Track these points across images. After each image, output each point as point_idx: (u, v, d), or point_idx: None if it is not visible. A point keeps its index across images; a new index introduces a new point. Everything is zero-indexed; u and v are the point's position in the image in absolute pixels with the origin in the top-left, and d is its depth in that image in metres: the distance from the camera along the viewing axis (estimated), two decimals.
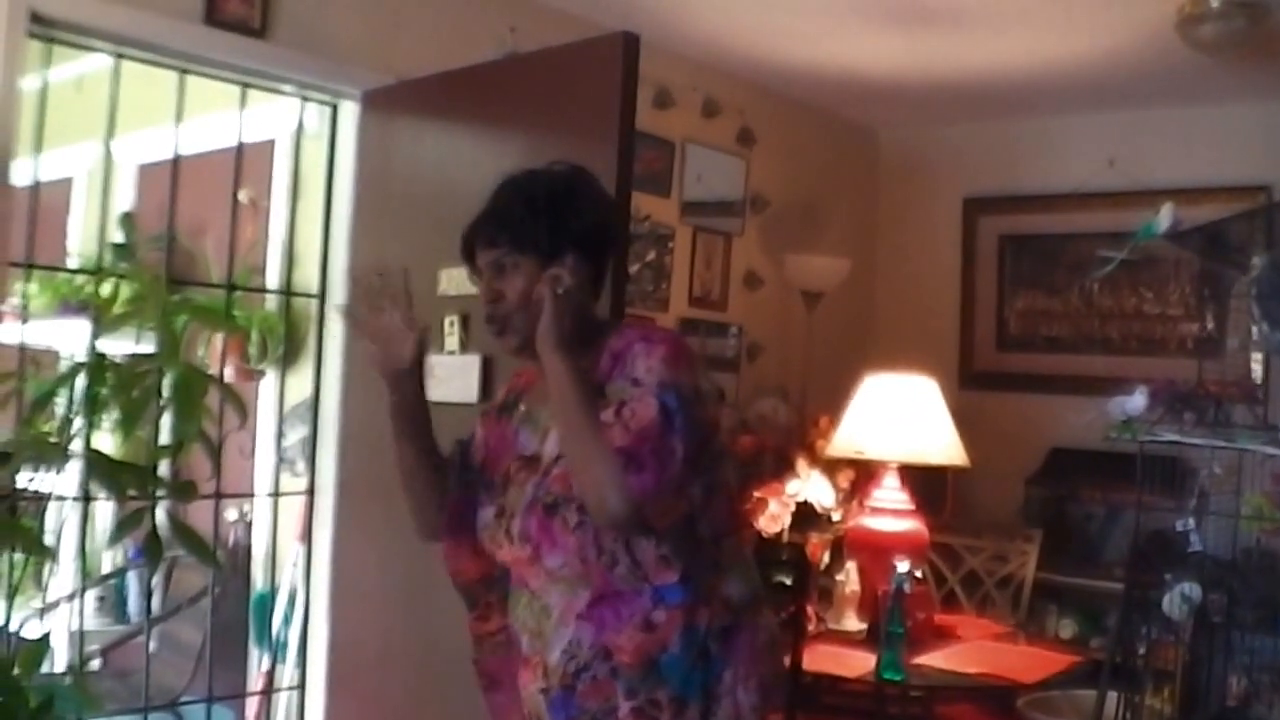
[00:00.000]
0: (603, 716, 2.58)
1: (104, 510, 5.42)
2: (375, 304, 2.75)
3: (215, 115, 4.85)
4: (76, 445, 2.49)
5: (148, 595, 5.48)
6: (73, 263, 5.43)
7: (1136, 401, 4.02)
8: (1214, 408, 3.98)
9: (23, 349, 4.33)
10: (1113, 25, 5.39)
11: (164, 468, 4.78)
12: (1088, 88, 6.35)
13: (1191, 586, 3.95)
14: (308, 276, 5.11)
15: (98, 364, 2.50)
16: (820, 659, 4.46)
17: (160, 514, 2.60)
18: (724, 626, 2.63)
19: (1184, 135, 6.52)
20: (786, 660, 4.04)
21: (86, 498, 4.45)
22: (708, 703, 2.58)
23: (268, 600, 5.20)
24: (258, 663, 5.21)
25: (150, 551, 2.54)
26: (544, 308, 2.59)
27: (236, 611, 5.24)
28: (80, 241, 5.90)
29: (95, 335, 4.63)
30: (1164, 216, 4.12)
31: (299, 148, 5.12)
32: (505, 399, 2.92)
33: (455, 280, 4.16)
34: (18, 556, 2.72)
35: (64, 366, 4.79)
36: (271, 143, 5.26)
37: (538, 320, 2.62)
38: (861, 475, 5.61)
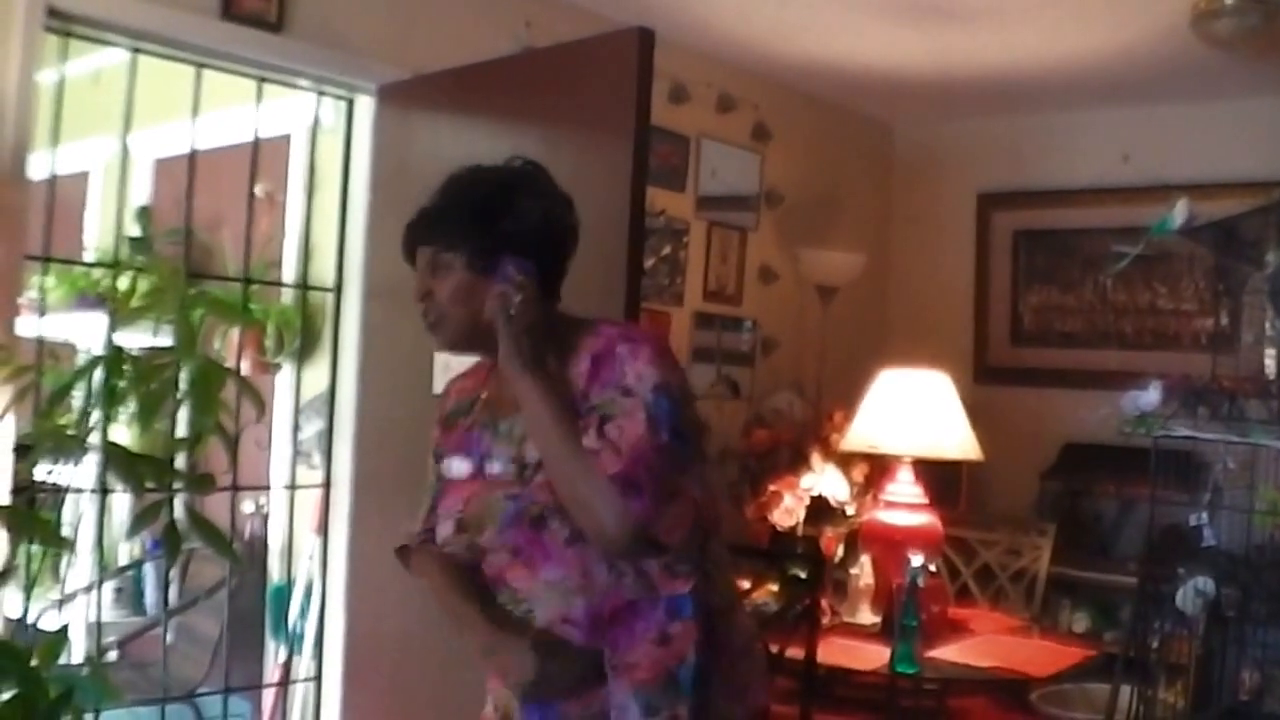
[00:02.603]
0: (580, 718, 2.51)
1: (121, 503, 5.44)
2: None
3: (231, 109, 4.87)
4: (94, 438, 2.50)
5: (165, 587, 5.50)
6: (89, 256, 5.45)
7: (1151, 396, 4.01)
8: (1228, 403, 3.97)
9: (40, 342, 4.35)
10: (1127, 20, 5.38)
11: (181, 460, 4.81)
12: (1102, 83, 6.35)
13: (1205, 581, 3.95)
14: (324, 270, 5.12)
15: (115, 357, 2.51)
16: (834, 652, 4.47)
17: (178, 506, 2.62)
18: (709, 632, 2.54)
19: (1199, 131, 6.51)
20: (785, 648, 4.05)
21: (104, 490, 4.47)
22: (701, 715, 2.50)
23: (284, 592, 5.21)
24: (274, 654, 5.23)
25: (168, 544, 2.55)
26: (499, 332, 2.52)
27: (253, 603, 5.26)
28: (97, 235, 5.92)
29: (112, 328, 4.66)
30: (1179, 212, 4.12)
31: (315, 142, 5.13)
32: (455, 405, 2.83)
33: None
34: (36, 549, 2.74)
35: (81, 359, 4.83)
36: (288, 137, 5.27)
37: (470, 326, 2.60)
38: (876, 469, 5.62)
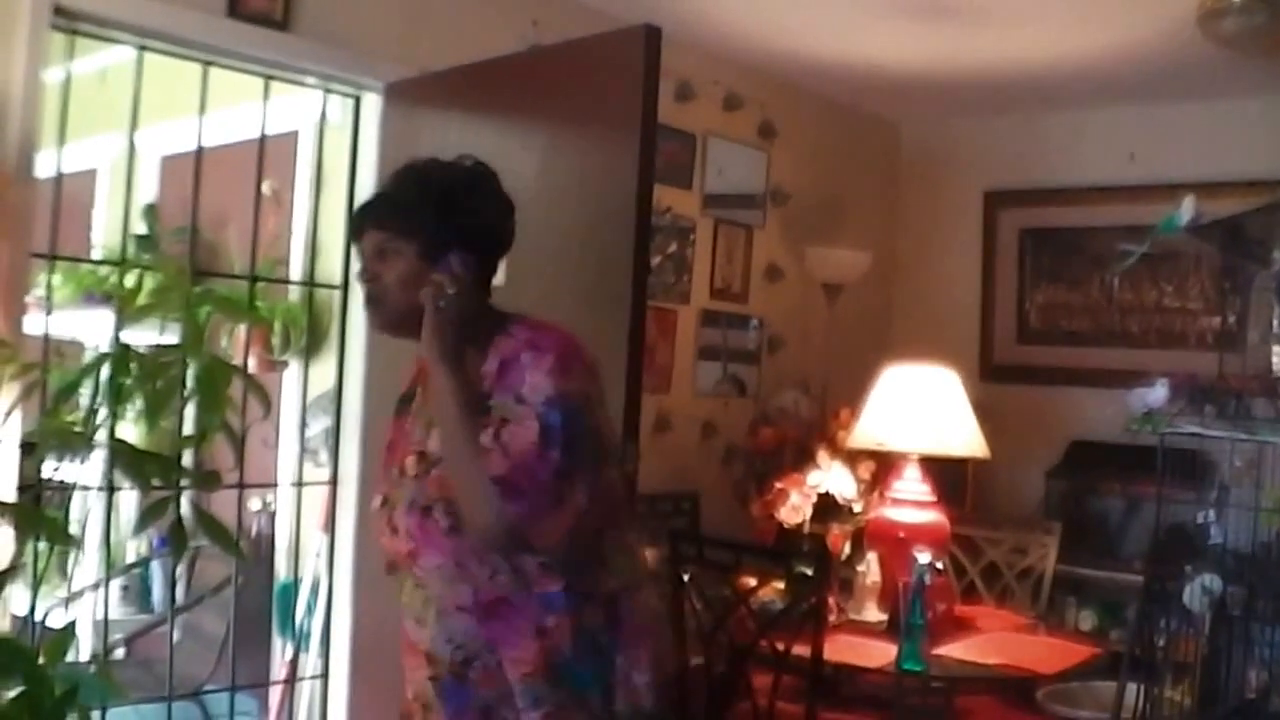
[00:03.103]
0: (497, 704, 2.64)
1: (128, 500, 5.44)
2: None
3: (238, 107, 4.87)
4: (101, 435, 2.50)
5: (172, 585, 5.50)
6: (96, 254, 5.46)
7: (1157, 394, 4.01)
8: (1235, 401, 3.97)
9: (47, 340, 4.35)
10: (1133, 19, 5.38)
11: (188, 458, 4.82)
12: (1108, 82, 6.34)
13: (1211, 579, 3.95)
14: (331, 268, 5.13)
15: (122, 355, 2.52)
16: (841, 650, 4.47)
17: (184, 504, 2.62)
18: (608, 615, 2.69)
19: (1205, 129, 6.51)
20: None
21: (111, 488, 4.48)
22: (606, 692, 2.65)
23: (291, 590, 5.22)
24: (281, 652, 5.24)
25: (175, 541, 2.56)
26: (425, 319, 2.64)
27: (260, 601, 5.26)
28: (104, 233, 5.92)
29: (119, 326, 4.66)
30: (1185, 210, 4.12)
31: (322, 140, 5.13)
32: (407, 390, 2.97)
33: None
34: (43, 546, 2.74)
35: (88, 357, 4.83)
36: (295, 134, 5.28)
37: (412, 312, 2.68)
38: (882, 467, 5.61)
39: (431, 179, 2.83)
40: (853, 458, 5.69)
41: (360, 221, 2.81)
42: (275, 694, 5.15)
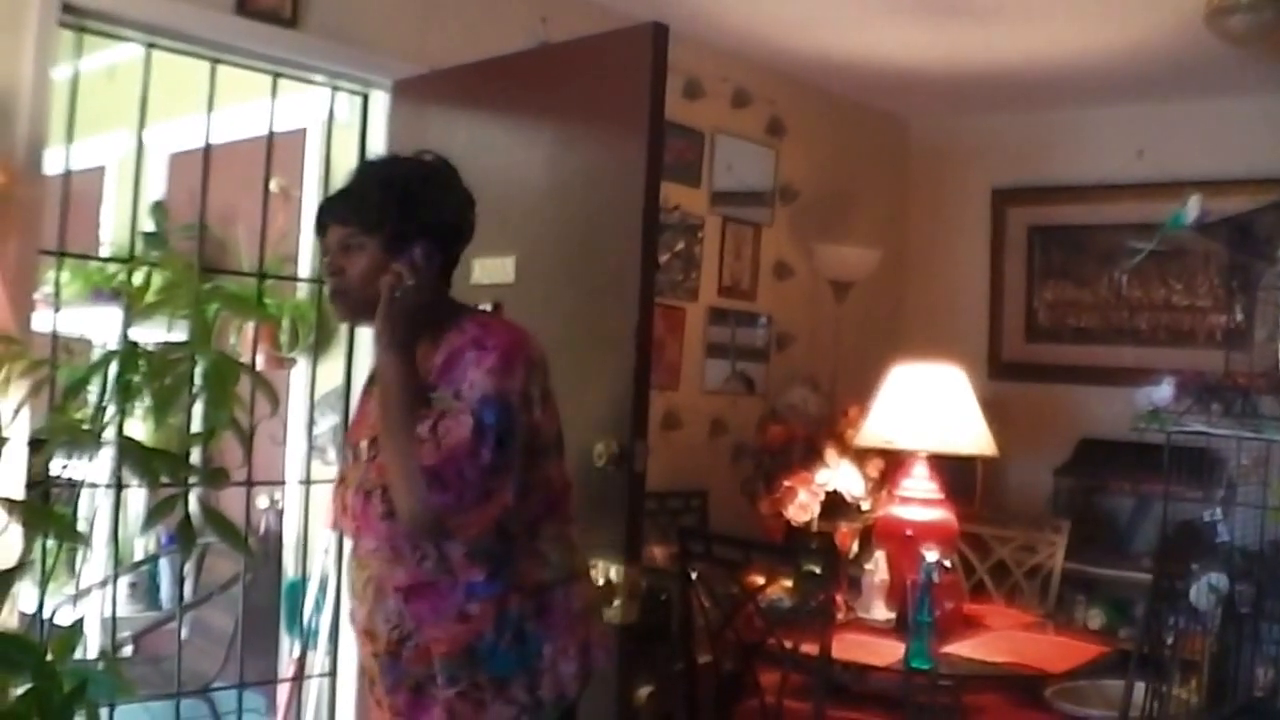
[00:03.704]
0: (426, 682, 2.75)
1: (136, 497, 5.45)
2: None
3: (246, 104, 4.87)
4: (109, 433, 2.50)
5: (180, 582, 5.51)
6: (105, 251, 5.46)
7: (1164, 392, 4.02)
8: (1241, 399, 3.97)
9: (55, 337, 4.35)
10: (1142, 16, 5.37)
11: (196, 455, 4.82)
12: (1117, 79, 6.34)
13: (1219, 577, 3.96)
14: None
15: (130, 352, 2.51)
16: (849, 647, 4.46)
17: (193, 501, 2.62)
18: (537, 605, 2.79)
19: (1213, 126, 6.50)
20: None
21: (119, 485, 4.49)
22: (531, 678, 2.76)
23: (299, 587, 5.22)
24: (289, 649, 5.24)
25: (183, 538, 2.56)
26: (379, 307, 2.72)
27: (268, 598, 5.27)
28: (112, 230, 5.93)
29: (127, 323, 4.66)
30: (1191, 208, 4.12)
31: (330, 137, 5.13)
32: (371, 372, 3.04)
33: (489, 269, 4.17)
34: (51, 543, 2.74)
35: (96, 354, 4.83)
36: (303, 131, 5.28)
37: (371, 302, 2.76)
38: (891, 465, 5.61)
39: (392, 174, 2.90)
40: (861, 455, 5.69)
41: (324, 218, 2.89)
42: (283, 691, 5.15)
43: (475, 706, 2.73)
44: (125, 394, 2.50)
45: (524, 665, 2.76)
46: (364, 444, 2.84)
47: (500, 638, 2.73)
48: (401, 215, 2.79)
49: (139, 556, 5.89)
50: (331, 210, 2.88)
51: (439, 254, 2.83)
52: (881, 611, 4.99)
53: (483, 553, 2.72)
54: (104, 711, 3.24)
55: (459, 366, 2.70)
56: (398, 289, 2.71)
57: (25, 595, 3.69)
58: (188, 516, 2.53)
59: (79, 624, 2.59)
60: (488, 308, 3.66)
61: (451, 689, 2.71)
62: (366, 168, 2.97)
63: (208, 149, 4.70)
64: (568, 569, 2.90)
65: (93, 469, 2.88)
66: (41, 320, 4.18)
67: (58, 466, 2.87)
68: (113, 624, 4.96)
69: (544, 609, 2.80)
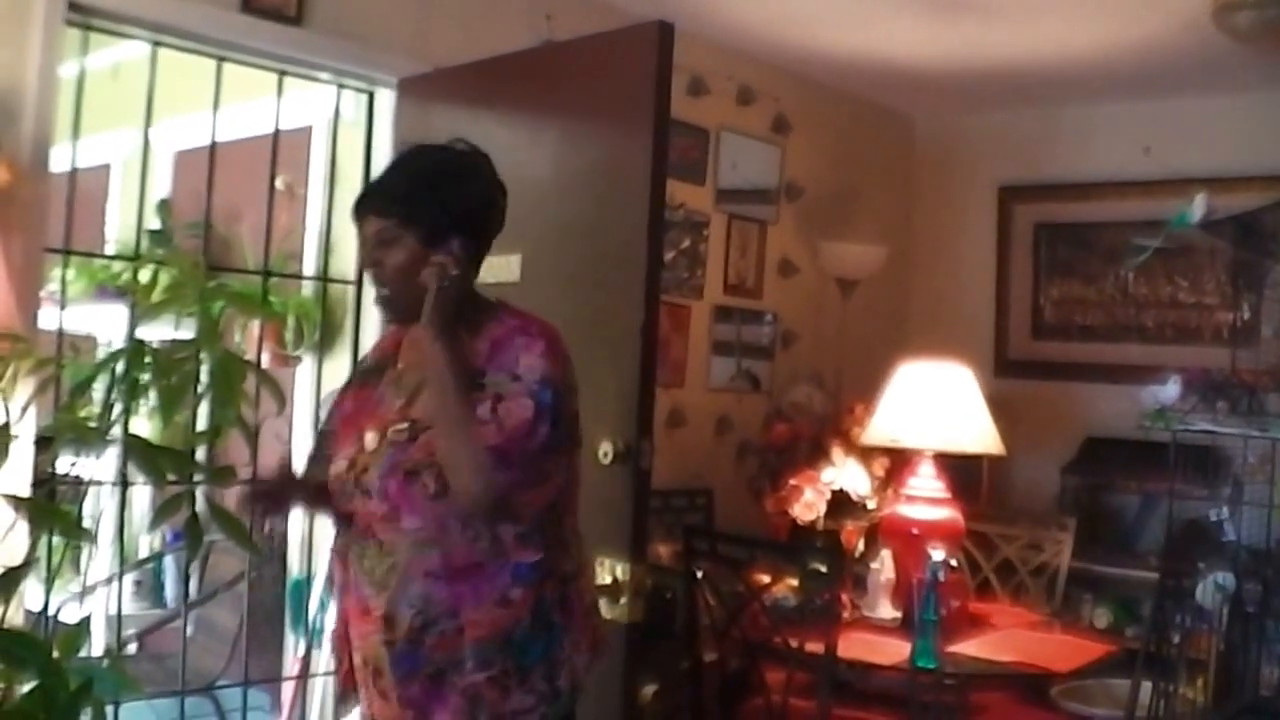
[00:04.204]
0: (449, 669, 2.75)
1: (142, 495, 5.45)
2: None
3: (252, 102, 4.87)
4: (115, 431, 2.51)
5: (185, 580, 5.51)
6: (110, 249, 5.46)
7: (1169, 391, 4.01)
8: (1248, 396, 3.97)
9: (61, 335, 4.36)
10: (1148, 13, 5.37)
11: (202, 453, 4.82)
12: (1123, 76, 6.33)
13: (1225, 576, 3.96)
14: (344, 263, 5.13)
15: (136, 350, 2.52)
16: (854, 646, 4.46)
17: (199, 499, 2.62)
18: (562, 595, 2.86)
19: (1220, 123, 6.49)
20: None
21: (125, 482, 4.48)
22: (550, 668, 2.80)
23: (304, 585, 5.22)
24: (293, 647, 5.24)
25: (190, 536, 2.56)
26: (428, 297, 2.74)
27: (273, 596, 5.27)
28: (118, 228, 5.93)
29: (133, 321, 4.66)
30: (1197, 206, 4.12)
31: (336, 135, 5.13)
32: (373, 362, 3.11)
33: (494, 267, 4.16)
34: (57, 541, 2.74)
35: (102, 352, 4.84)
36: (308, 129, 5.28)
37: (416, 297, 2.77)
38: (897, 463, 5.61)
39: (428, 166, 2.92)
40: (867, 454, 5.69)
41: (361, 210, 2.89)
42: (288, 690, 5.15)
43: (501, 693, 2.74)
44: (131, 392, 2.50)
45: (546, 654, 2.79)
46: (379, 429, 2.84)
47: (534, 625, 2.78)
48: (439, 208, 2.82)
49: (144, 554, 5.89)
50: (369, 203, 2.89)
51: (474, 244, 2.88)
52: (887, 610, 4.99)
53: (535, 534, 2.77)
54: (109, 709, 3.24)
55: (508, 352, 2.77)
56: (444, 278, 2.74)
57: (31, 593, 3.70)
58: (194, 514, 2.53)
59: (85, 622, 2.60)
60: None
61: (483, 673, 2.72)
62: (402, 160, 2.99)
63: (213, 147, 4.70)
64: (580, 561, 2.99)
65: (99, 467, 2.88)
66: (47, 318, 4.17)
67: (64, 464, 2.87)
68: (118, 622, 4.96)
69: (565, 599, 2.86)
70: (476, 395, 2.69)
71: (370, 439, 2.85)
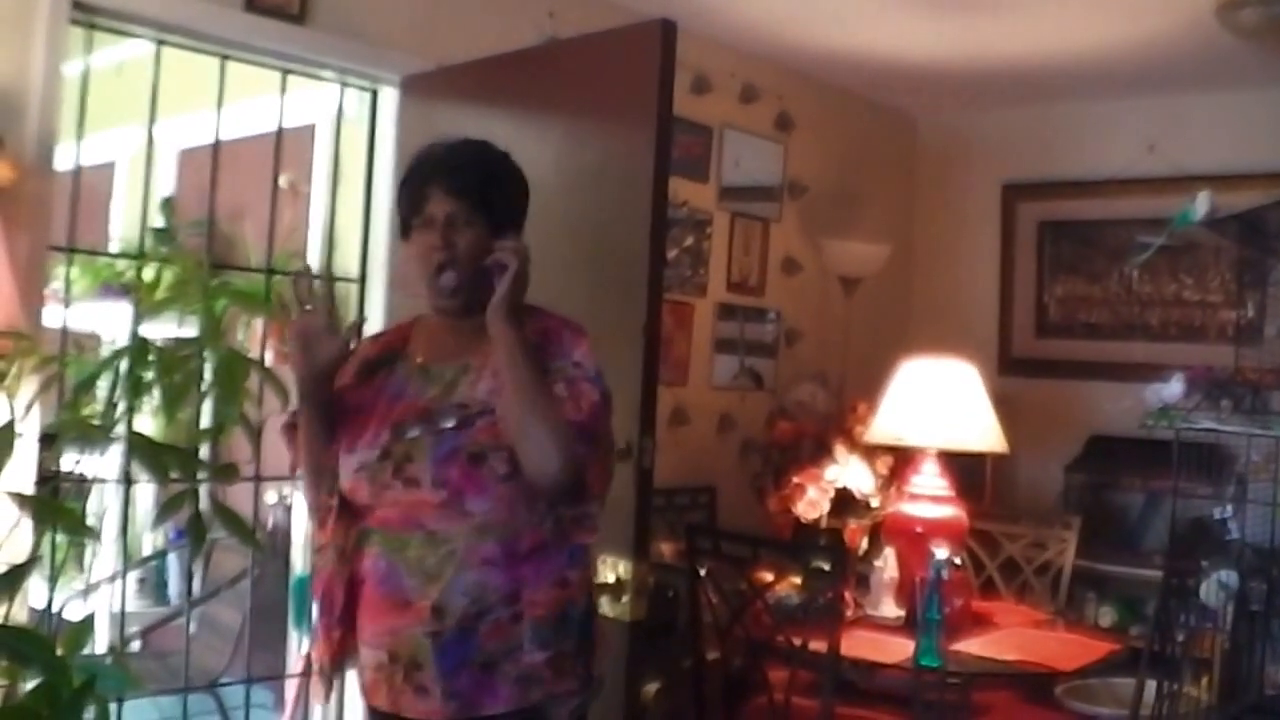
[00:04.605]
0: (502, 658, 2.73)
1: (145, 493, 5.45)
2: (305, 302, 2.91)
3: (255, 100, 4.87)
4: (119, 428, 2.51)
5: (188, 577, 5.51)
6: (114, 247, 5.47)
7: (1173, 389, 4.01)
8: (1251, 395, 3.96)
9: (65, 333, 4.36)
10: (1152, 10, 5.36)
11: (205, 450, 4.82)
12: (1127, 73, 6.33)
13: (1229, 574, 3.95)
14: (348, 261, 5.12)
15: (140, 348, 2.52)
16: (858, 645, 4.46)
17: (202, 496, 2.62)
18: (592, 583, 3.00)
19: (1224, 121, 6.48)
20: None
21: (128, 480, 4.48)
22: (587, 654, 2.86)
23: (307, 583, 5.22)
24: (296, 645, 5.24)
25: (193, 533, 2.56)
26: (504, 278, 2.75)
27: (276, 594, 5.27)
28: (122, 226, 5.93)
29: (137, 319, 4.67)
30: (1200, 203, 4.11)
31: (339, 133, 5.13)
32: (376, 356, 3.04)
33: None
34: (61, 538, 2.75)
35: (106, 350, 4.84)
36: (312, 128, 5.27)
37: (475, 284, 2.83)
38: (900, 461, 5.60)
39: (495, 159, 2.99)
40: (870, 452, 5.68)
41: (429, 189, 2.89)
42: (290, 686, 5.15)
43: (556, 674, 2.77)
44: (135, 390, 2.51)
45: (584, 639, 2.84)
46: (406, 416, 2.83)
47: (584, 608, 2.85)
48: (506, 200, 2.93)
49: (148, 552, 5.90)
50: (442, 181, 2.88)
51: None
52: (890, 609, 4.99)
53: (591, 518, 2.84)
54: (112, 706, 3.24)
55: (560, 342, 2.85)
56: (522, 262, 2.77)
57: (35, 590, 3.70)
58: (197, 512, 2.53)
59: (88, 619, 2.60)
60: None
61: (543, 653, 2.74)
62: (469, 146, 2.99)
63: (217, 145, 4.70)
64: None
65: (102, 464, 2.87)
66: (51, 316, 4.18)
67: (68, 462, 2.87)
68: (121, 619, 4.96)
69: (593, 588, 2.98)
70: (548, 378, 2.76)
71: (412, 429, 2.80)
